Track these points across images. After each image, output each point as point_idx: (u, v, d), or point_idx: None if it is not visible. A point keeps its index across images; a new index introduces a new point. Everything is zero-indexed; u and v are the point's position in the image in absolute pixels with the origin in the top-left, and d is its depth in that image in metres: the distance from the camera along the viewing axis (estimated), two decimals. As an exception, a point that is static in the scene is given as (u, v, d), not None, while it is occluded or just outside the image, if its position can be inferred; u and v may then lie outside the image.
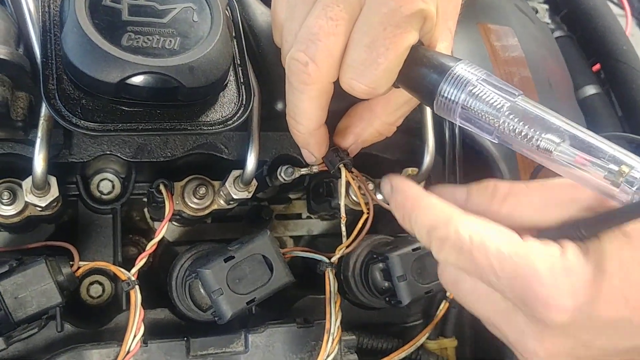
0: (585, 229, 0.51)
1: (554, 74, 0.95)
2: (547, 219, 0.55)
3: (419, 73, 0.61)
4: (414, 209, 0.59)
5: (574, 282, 0.50)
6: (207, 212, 0.78)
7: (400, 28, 0.60)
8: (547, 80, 0.92)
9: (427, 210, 0.58)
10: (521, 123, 0.54)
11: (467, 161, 0.90)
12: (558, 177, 0.55)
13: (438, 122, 0.87)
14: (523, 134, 0.54)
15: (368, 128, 0.75)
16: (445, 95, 0.58)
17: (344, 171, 0.75)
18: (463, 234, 0.54)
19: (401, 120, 0.76)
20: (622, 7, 1.32)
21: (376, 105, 0.73)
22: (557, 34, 1.11)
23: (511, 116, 0.54)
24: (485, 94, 0.56)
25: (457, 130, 0.90)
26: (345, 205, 0.84)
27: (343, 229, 0.78)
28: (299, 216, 0.99)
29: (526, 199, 0.57)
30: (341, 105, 0.74)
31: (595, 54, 1.10)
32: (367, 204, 0.79)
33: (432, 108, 0.61)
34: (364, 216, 0.78)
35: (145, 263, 0.74)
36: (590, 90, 1.03)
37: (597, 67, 1.09)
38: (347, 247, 0.77)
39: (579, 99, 1.02)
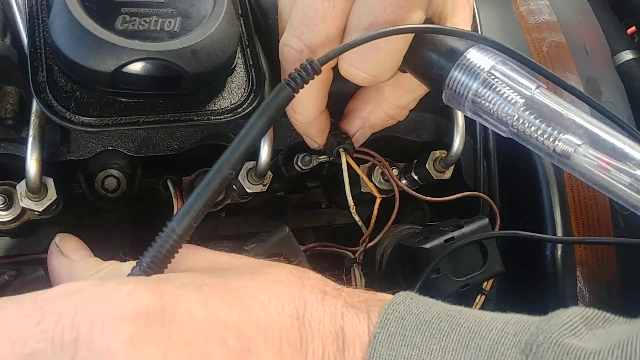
0: None
1: (589, 39, 0.88)
2: None
3: (425, 59, 0.54)
4: None
5: None
6: (219, 207, 0.73)
7: (402, 8, 0.54)
8: (583, 46, 0.85)
9: None
10: (538, 120, 0.47)
11: (502, 142, 0.83)
12: None
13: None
14: (539, 132, 0.47)
15: (376, 111, 0.68)
16: (454, 86, 0.51)
17: (343, 155, 0.69)
18: None
19: (415, 103, 0.69)
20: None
21: (384, 86, 0.67)
22: (588, -4, 1.03)
23: (527, 112, 0.48)
24: (498, 86, 0.49)
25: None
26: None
27: (356, 218, 0.72)
28: (318, 205, 0.93)
29: None
30: (346, 87, 0.67)
31: (629, 15, 1.03)
32: (379, 190, 0.74)
33: (440, 98, 0.54)
34: (378, 200, 0.73)
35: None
36: (627, 55, 0.96)
37: (632, 29, 1.02)
38: (370, 239, 0.72)
39: (615, 65, 0.94)
